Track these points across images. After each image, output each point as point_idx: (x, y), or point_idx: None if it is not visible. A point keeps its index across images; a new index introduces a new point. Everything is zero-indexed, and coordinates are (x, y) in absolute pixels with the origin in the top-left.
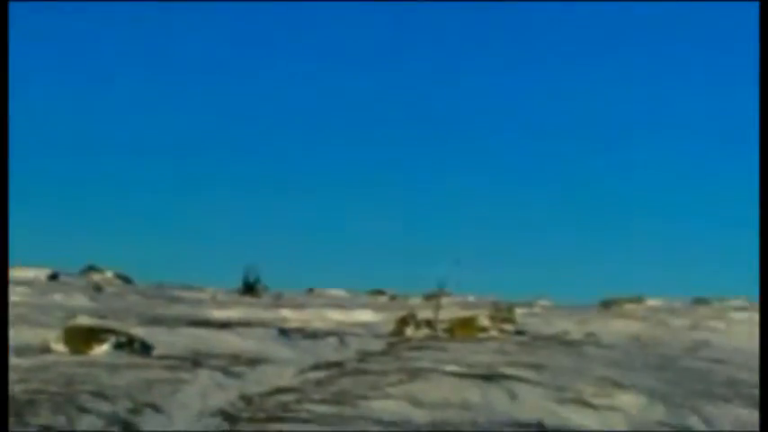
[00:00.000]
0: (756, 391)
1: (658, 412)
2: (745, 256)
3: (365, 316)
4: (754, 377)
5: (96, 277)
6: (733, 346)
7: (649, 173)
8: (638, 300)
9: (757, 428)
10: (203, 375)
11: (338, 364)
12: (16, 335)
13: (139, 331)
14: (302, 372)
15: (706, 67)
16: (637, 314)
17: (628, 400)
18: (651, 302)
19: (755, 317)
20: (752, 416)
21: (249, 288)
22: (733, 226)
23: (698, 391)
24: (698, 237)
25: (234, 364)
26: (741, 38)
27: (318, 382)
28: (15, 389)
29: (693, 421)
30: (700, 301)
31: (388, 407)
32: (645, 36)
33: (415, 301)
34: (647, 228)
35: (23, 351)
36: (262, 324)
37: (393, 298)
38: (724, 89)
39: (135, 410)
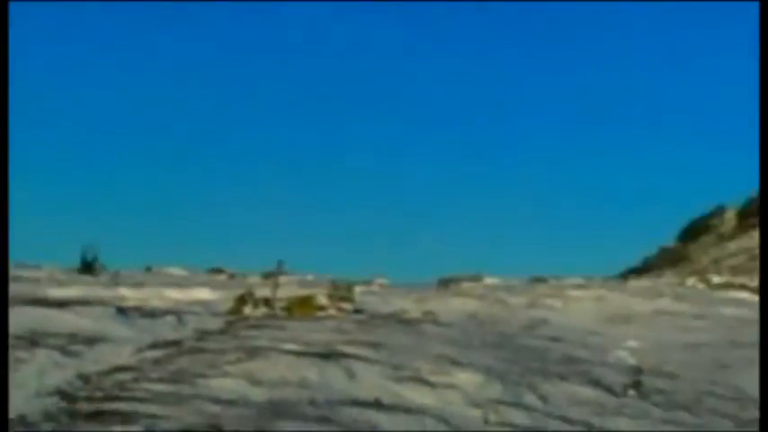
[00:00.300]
0: (592, 368)
1: (495, 390)
2: (581, 235)
3: (203, 294)
4: (589, 355)
5: None
6: (570, 323)
7: (483, 152)
8: (476, 278)
9: (593, 404)
10: (41, 354)
11: (176, 343)
12: None
13: None
14: (140, 350)
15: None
16: (475, 292)
17: (465, 377)
18: (489, 281)
19: (592, 294)
20: (587, 393)
21: (87, 267)
22: (569, 205)
23: (534, 368)
24: (535, 215)
25: (71, 342)
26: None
27: (156, 361)
28: None
29: (530, 399)
30: (537, 280)
31: (225, 385)
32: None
33: (254, 279)
34: (484, 206)
35: None
36: (100, 303)
37: (231, 276)
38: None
39: None
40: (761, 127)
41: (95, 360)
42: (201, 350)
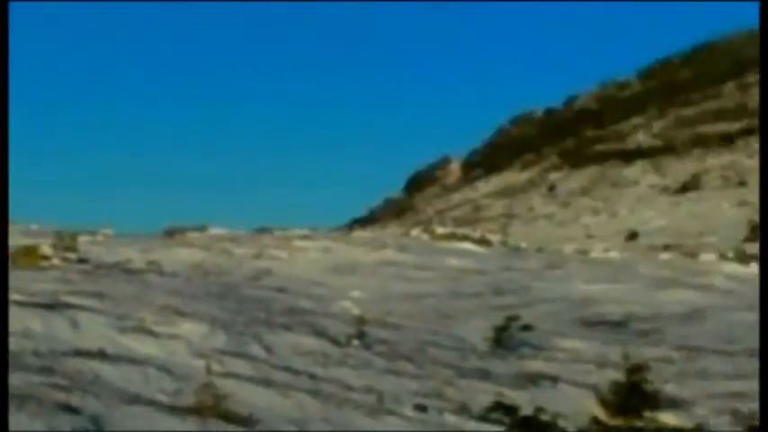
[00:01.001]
0: (317, 319)
1: (219, 340)
2: (307, 185)
3: None
4: (314, 305)
5: None
6: (295, 274)
7: (205, 99)
8: (202, 228)
9: (317, 355)
10: None
11: None
12: None
13: None
14: None
15: None
16: (200, 243)
17: (189, 328)
18: (215, 231)
19: (318, 245)
20: (311, 343)
21: None
22: (293, 156)
23: (259, 319)
24: (261, 166)
25: None
26: None
27: None
28: None
29: (254, 349)
30: (263, 230)
31: None
32: None
33: None
34: (211, 157)
35: None
36: None
37: None
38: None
39: None
40: (761, 127)
41: None
42: None
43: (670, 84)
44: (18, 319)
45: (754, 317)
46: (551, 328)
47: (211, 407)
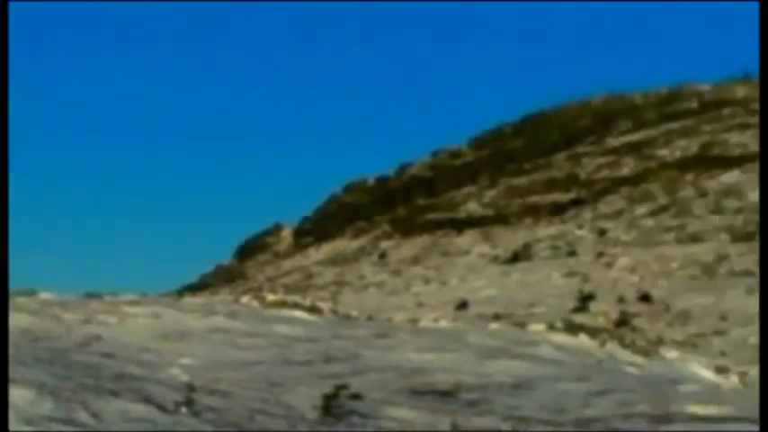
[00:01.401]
0: (145, 385)
1: (47, 406)
2: (138, 251)
3: None
4: (143, 371)
5: None
6: (124, 340)
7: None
8: (31, 293)
9: (145, 422)
10: None
11: None
12: None
13: None
14: None
15: None
16: (29, 307)
17: (17, 393)
18: (44, 296)
19: (147, 311)
20: (140, 410)
21: None
22: (123, 220)
23: (88, 385)
24: (87, 229)
25: None
26: None
27: None
28: None
29: (82, 416)
30: (92, 296)
31: None
32: None
33: None
34: (38, 221)
35: None
36: None
37: None
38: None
39: None
40: (761, 129)
41: None
42: None
43: (502, 153)
44: None
45: (581, 387)
46: (380, 396)
47: None
